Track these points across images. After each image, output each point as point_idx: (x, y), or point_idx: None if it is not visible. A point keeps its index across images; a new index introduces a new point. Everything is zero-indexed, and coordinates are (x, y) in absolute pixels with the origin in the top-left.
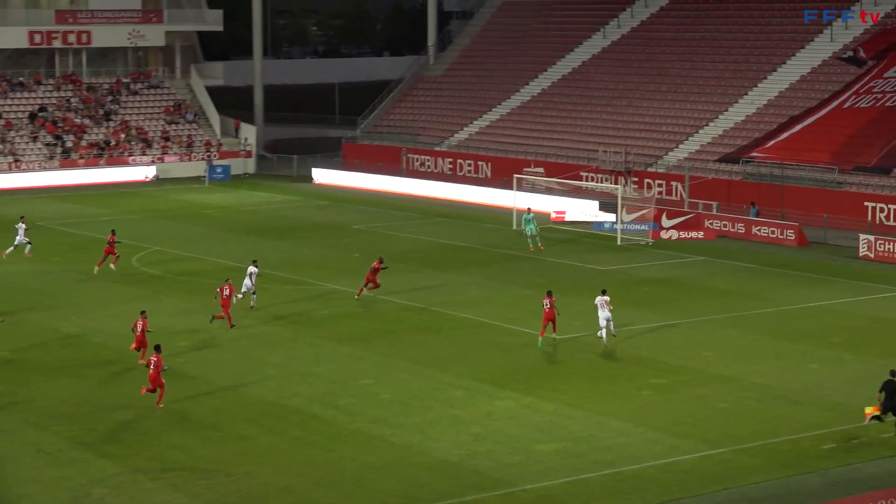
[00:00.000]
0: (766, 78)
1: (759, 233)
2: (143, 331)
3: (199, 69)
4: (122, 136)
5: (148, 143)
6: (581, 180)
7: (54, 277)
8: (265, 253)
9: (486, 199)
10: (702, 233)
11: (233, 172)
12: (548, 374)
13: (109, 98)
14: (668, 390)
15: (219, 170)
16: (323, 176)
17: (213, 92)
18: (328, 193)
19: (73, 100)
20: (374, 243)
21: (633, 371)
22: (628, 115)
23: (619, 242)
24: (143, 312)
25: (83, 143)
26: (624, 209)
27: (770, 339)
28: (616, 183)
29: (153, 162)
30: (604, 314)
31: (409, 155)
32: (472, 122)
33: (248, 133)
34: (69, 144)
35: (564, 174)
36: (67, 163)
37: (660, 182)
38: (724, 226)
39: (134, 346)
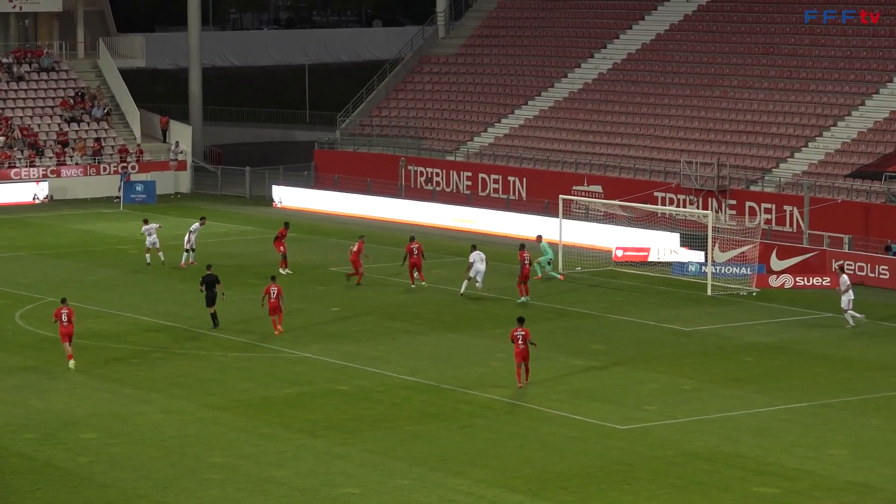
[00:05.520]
0: None
1: None
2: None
3: (111, 45)
4: (1, 139)
5: (38, 151)
6: (655, 204)
7: None
8: (205, 306)
9: (520, 229)
10: (827, 279)
11: (159, 191)
12: (609, 477)
13: None
14: (780, 503)
15: (139, 187)
16: (288, 196)
17: (130, 77)
18: (295, 221)
19: None
20: (360, 292)
21: (730, 475)
22: (723, 110)
23: (709, 292)
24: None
25: None
26: (717, 245)
27: None
28: (705, 207)
29: (45, 176)
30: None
31: (410, 167)
32: (499, 121)
33: (181, 135)
34: None
35: (631, 195)
36: None
37: (767, 206)
38: (860, 269)
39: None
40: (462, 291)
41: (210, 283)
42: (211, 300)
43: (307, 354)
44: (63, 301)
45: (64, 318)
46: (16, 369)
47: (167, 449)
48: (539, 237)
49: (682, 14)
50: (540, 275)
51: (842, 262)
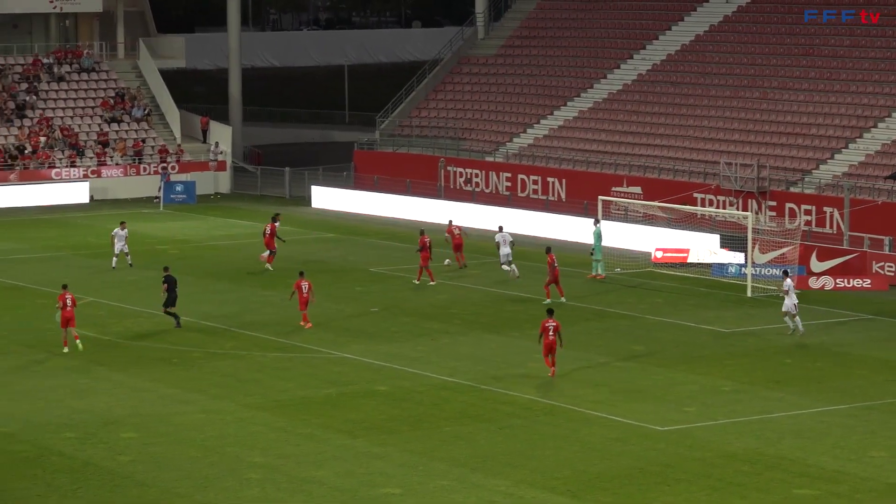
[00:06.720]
0: None
1: None
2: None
3: (150, 45)
4: (42, 140)
5: (79, 151)
6: (695, 205)
7: None
8: (244, 306)
9: (559, 230)
10: (868, 280)
11: (199, 192)
12: (648, 479)
13: (23, 86)
14: None
15: (178, 188)
16: (326, 197)
17: (170, 77)
18: (334, 222)
19: None
20: (399, 292)
21: (770, 477)
22: (763, 111)
23: (749, 293)
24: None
25: None
26: (757, 246)
27: None
28: (745, 209)
29: (86, 176)
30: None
31: (449, 168)
32: (538, 122)
33: (221, 136)
34: None
35: (670, 196)
36: None
37: (807, 207)
38: None
39: None
40: (515, 274)
41: (173, 283)
42: (172, 301)
43: (346, 355)
44: (64, 287)
45: (68, 302)
46: (56, 369)
47: (207, 449)
48: (596, 220)
49: (721, 15)
50: (603, 273)
51: (786, 268)
